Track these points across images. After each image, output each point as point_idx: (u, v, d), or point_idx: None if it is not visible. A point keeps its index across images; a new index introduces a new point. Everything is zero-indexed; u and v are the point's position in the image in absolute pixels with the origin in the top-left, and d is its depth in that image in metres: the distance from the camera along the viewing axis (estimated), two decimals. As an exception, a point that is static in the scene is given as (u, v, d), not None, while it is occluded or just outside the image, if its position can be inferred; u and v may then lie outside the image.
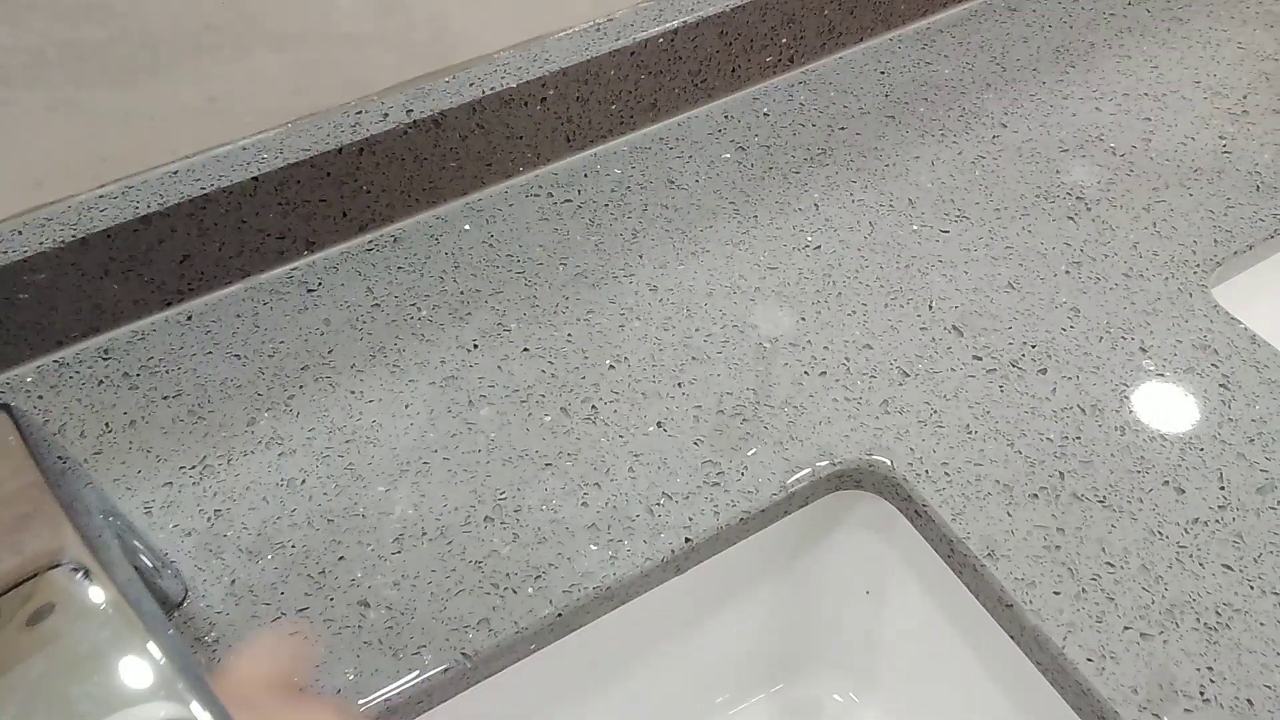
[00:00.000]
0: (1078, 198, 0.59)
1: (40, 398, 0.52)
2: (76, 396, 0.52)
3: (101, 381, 0.53)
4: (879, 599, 0.54)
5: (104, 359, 0.53)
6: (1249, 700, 0.40)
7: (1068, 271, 0.55)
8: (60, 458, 0.35)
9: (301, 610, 0.44)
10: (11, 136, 0.48)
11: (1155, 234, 0.56)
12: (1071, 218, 0.58)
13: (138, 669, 0.26)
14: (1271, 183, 0.58)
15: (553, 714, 0.51)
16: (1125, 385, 0.50)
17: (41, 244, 0.49)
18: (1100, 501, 0.46)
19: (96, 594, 0.27)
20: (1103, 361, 0.51)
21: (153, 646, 0.26)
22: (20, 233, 0.50)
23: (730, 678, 0.57)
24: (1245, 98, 0.64)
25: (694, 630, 0.53)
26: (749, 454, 0.48)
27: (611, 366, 0.52)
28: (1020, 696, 0.46)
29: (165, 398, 0.52)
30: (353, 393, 0.51)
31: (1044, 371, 0.50)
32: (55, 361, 0.53)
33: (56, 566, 0.26)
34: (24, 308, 0.51)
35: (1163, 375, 0.50)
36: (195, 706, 0.25)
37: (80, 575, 0.27)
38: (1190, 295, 0.53)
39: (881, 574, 0.53)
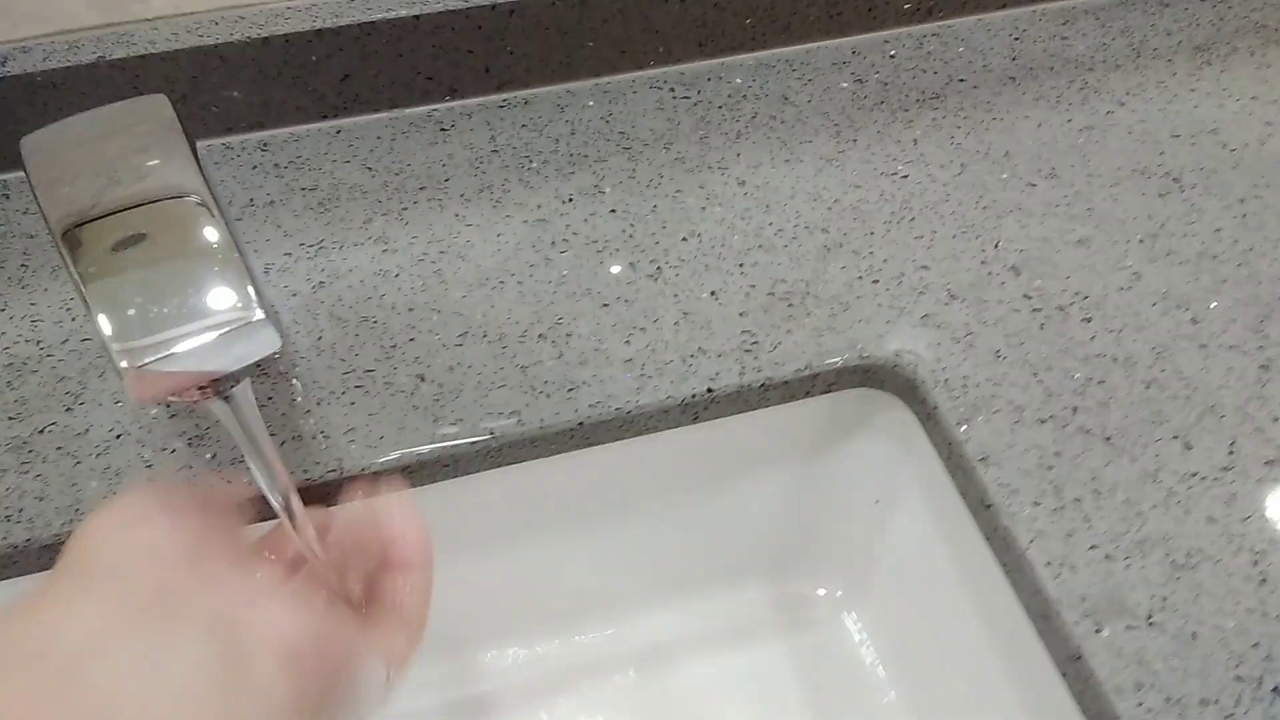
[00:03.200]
0: (1174, 179, 0.59)
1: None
2: (233, 174, 0.61)
3: (256, 167, 0.61)
4: (887, 509, 0.57)
5: (262, 150, 0.62)
6: (1194, 634, 0.41)
7: (1142, 241, 0.56)
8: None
9: (369, 372, 0.51)
10: (226, -58, 0.57)
11: (1242, 224, 0.57)
12: (1162, 195, 0.58)
13: (227, 287, 0.32)
14: (1383, 202, 0.58)
15: (555, 532, 0.56)
16: (1165, 347, 0.51)
17: (232, 35, 0.58)
18: (1106, 439, 0.48)
19: (212, 228, 0.33)
20: (1149, 323, 0.52)
21: (244, 274, 0.33)
22: (217, 24, 0.58)
23: (727, 552, 0.61)
24: (1383, 121, 0.63)
25: (703, 495, 0.58)
26: (786, 334, 0.52)
27: (684, 239, 0.57)
28: (986, 602, 0.49)
29: (303, 189, 0.60)
30: (457, 215, 0.58)
31: (1088, 320, 0.52)
32: (223, 144, 0.62)
33: (187, 196, 0.33)
34: (206, 91, 0.60)
35: (1204, 346, 0.51)
36: (258, 312, 0.31)
37: (205, 211, 0.33)
38: (1259, 283, 0.54)
39: (894, 485, 0.56)
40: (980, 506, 0.46)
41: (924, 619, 0.56)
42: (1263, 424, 0.48)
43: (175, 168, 0.32)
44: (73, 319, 0.53)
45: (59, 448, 0.48)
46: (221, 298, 0.29)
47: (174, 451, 0.48)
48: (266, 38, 0.58)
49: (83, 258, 0.30)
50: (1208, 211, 0.57)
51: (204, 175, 0.32)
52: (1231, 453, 0.47)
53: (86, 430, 0.48)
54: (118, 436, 0.48)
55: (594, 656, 0.61)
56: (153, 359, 0.28)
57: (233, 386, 0.33)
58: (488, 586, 0.59)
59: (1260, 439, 0.47)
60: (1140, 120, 0.63)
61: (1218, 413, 0.48)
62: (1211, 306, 0.53)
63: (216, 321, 0.28)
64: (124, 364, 0.29)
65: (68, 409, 0.49)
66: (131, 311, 0.28)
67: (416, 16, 0.60)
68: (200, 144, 0.62)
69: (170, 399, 0.30)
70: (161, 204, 0.31)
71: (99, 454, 0.47)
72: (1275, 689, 0.40)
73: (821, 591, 0.62)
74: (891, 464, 0.55)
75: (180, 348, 0.28)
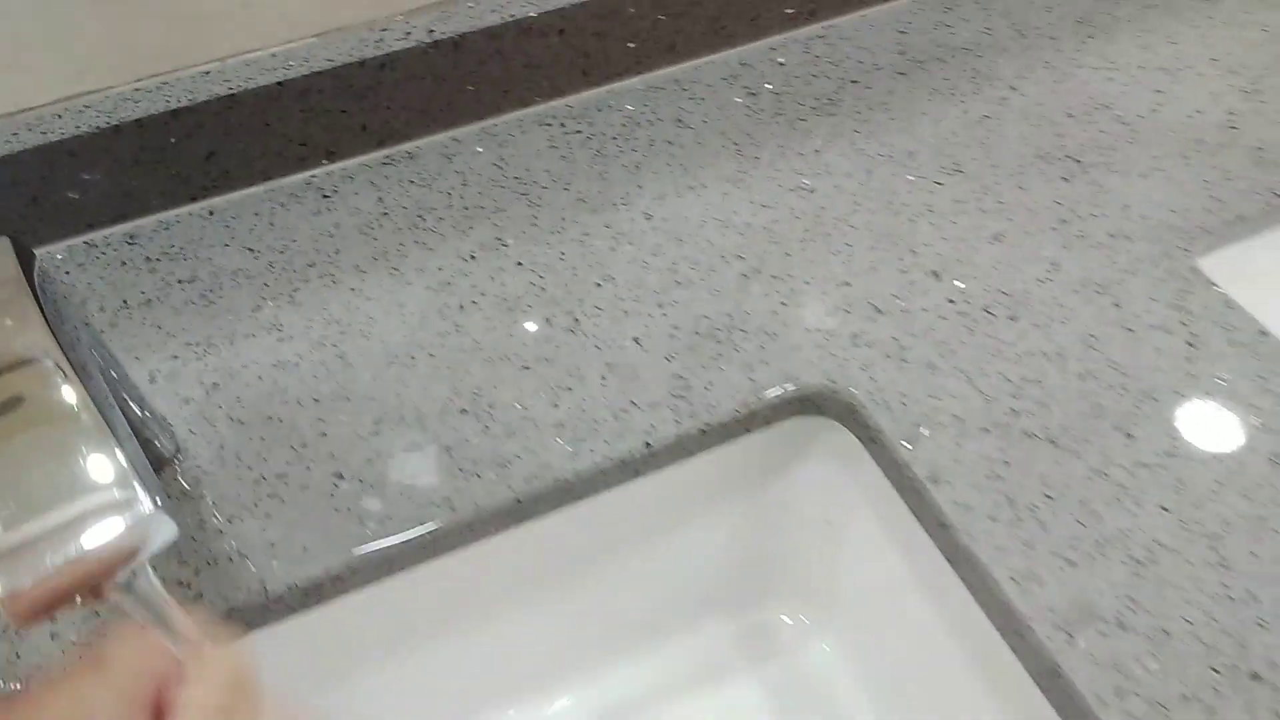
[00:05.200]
0: (1076, 160, 0.59)
1: (67, 274, 0.56)
2: (100, 275, 0.56)
3: (125, 263, 0.56)
4: (839, 529, 0.56)
5: (129, 243, 0.57)
6: (1165, 630, 0.41)
7: (1054, 228, 0.56)
8: (84, 323, 0.38)
9: (281, 476, 0.47)
10: (60, 27, 0.52)
11: (1147, 199, 0.57)
12: (1066, 179, 0.58)
13: (98, 466, 0.29)
14: (1274, 159, 0.59)
15: (508, 606, 0.53)
16: (1093, 336, 0.51)
17: (78, 129, 0.53)
18: (1051, 441, 0.47)
19: (69, 393, 0.30)
20: (1074, 313, 0.52)
21: (113, 445, 0.29)
22: (60, 117, 0.54)
23: (687, 595, 0.59)
24: (1260, 77, 0.64)
25: (654, 545, 0.55)
26: (717, 373, 0.50)
27: (598, 284, 0.54)
28: (952, 617, 0.48)
29: (180, 281, 0.55)
30: (353, 290, 0.55)
31: (1014, 318, 0.52)
32: (85, 242, 0.57)
33: (32, 363, 0.29)
34: (59, 189, 0.55)
35: (1131, 330, 0.51)
36: (144, 498, 0.28)
37: (56, 375, 0.30)
38: (1172, 258, 0.54)
39: (842, 505, 0.55)
40: (937, 527, 0.45)
41: (893, 639, 0.55)
42: (1198, 402, 0.48)
43: (21, 326, 0.28)
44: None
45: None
46: (98, 492, 0.25)
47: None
48: (117, 125, 0.54)
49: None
50: (1112, 191, 0.58)
51: (54, 332, 0.28)
52: (1173, 437, 0.47)
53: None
54: None
55: (565, 722, 0.59)
56: (29, 582, 0.24)
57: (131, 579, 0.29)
58: (446, 674, 0.56)
59: (1198, 417, 0.47)
60: (1035, 103, 0.63)
61: (1153, 397, 0.48)
62: (1130, 288, 0.53)
63: (97, 525, 0.25)
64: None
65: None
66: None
67: (279, 83, 0.56)
68: (59, 245, 0.57)
69: (59, 611, 0.26)
70: (6, 376, 0.27)
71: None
72: (1253, 675, 0.40)
73: (787, 619, 0.60)
74: (839, 487, 0.54)
75: (57, 560, 0.24)
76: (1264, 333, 0.50)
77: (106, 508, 0.24)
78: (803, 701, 0.59)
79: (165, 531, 0.25)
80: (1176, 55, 0.66)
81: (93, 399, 0.30)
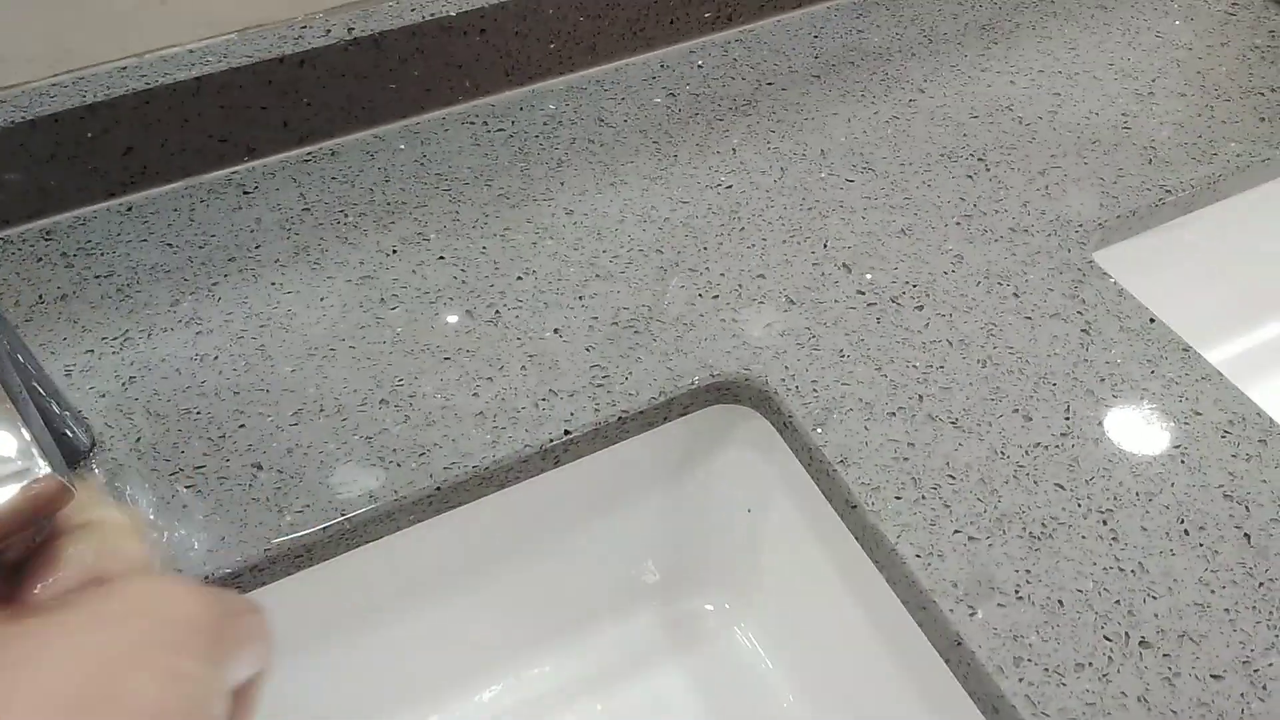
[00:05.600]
0: (979, 159, 0.62)
1: (-20, 269, 0.55)
2: (15, 270, 0.55)
3: (40, 259, 0.56)
4: (759, 516, 0.57)
5: (45, 239, 0.57)
6: (1060, 601, 0.43)
7: (958, 223, 0.58)
8: None
9: (199, 468, 0.47)
10: (-31, 19, 0.51)
11: (1046, 195, 0.60)
12: (970, 176, 0.61)
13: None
14: (1164, 157, 0.62)
15: (432, 596, 0.54)
16: (994, 325, 0.53)
17: (-10, 122, 0.53)
18: (953, 423, 0.49)
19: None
20: (976, 303, 0.54)
21: (18, 425, 0.29)
22: (-29, 110, 0.53)
23: (610, 584, 0.60)
24: (1154, 81, 0.67)
25: (576, 534, 0.56)
26: (635, 362, 0.51)
27: (519, 278, 0.55)
28: (866, 598, 0.50)
29: (98, 277, 0.55)
30: (273, 284, 0.55)
31: (920, 308, 0.54)
32: (-1, 239, 0.57)
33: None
34: (-29, 183, 0.54)
35: (1029, 318, 0.53)
36: (42, 464, 0.27)
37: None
38: (1069, 251, 0.57)
39: (762, 492, 0.56)
40: (846, 508, 0.47)
41: (811, 621, 0.56)
42: (1091, 385, 0.50)
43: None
44: None
45: None
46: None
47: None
48: (33, 120, 0.53)
49: None
50: (1013, 188, 0.60)
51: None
52: (1068, 418, 0.49)
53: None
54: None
55: (492, 713, 0.59)
56: None
57: None
58: (369, 665, 0.56)
59: (1090, 400, 0.50)
60: (940, 105, 0.66)
61: (1050, 381, 0.51)
62: (1029, 279, 0.55)
63: None
64: None
65: None
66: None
67: (198, 79, 0.56)
68: (-28, 241, 0.56)
69: None
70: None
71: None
72: (1141, 641, 0.42)
73: (709, 607, 0.61)
74: (757, 473, 0.56)
75: None
76: (1153, 320, 0.53)
77: (5, 478, 0.24)
78: (725, 687, 0.60)
79: (63, 496, 0.26)
80: (1075, 59, 0.69)
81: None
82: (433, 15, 0.60)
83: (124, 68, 0.56)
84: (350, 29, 0.58)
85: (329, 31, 0.58)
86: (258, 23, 0.58)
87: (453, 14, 0.60)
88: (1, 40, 0.53)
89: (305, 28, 0.58)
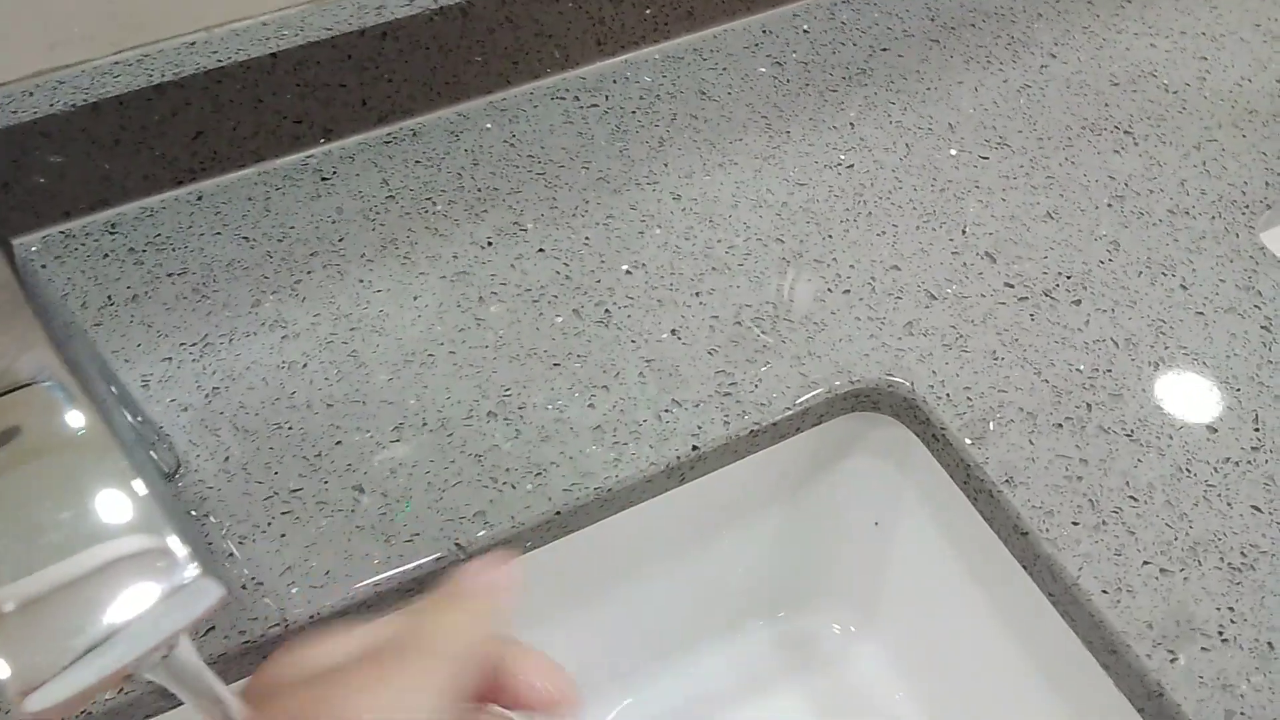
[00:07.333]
0: (1126, 131, 0.56)
1: (44, 267, 0.51)
2: (80, 268, 0.51)
3: (107, 255, 0.51)
4: (888, 530, 0.53)
5: (110, 233, 0.52)
6: (1269, 644, 0.38)
7: (1110, 205, 0.53)
8: (66, 322, 0.33)
9: (295, 491, 0.43)
10: (25, -7, 0.47)
11: (1204, 173, 0.54)
12: (1118, 151, 0.55)
13: (114, 499, 0.25)
14: (1332, 129, 0.56)
15: (547, 619, 0.50)
16: (1162, 321, 0.48)
17: (52, 107, 0.48)
18: (1128, 435, 0.44)
19: (75, 417, 0.25)
20: (1140, 296, 0.49)
21: (131, 473, 0.25)
22: (31, 94, 0.48)
23: (730, 600, 0.56)
24: (1310, 42, 0.61)
25: (697, 548, 0.52)
26: (764, 367, 0.46)
27: (628, 272, 0.50)
28: (1027, 631, 0.45)
29: (170, 275, 0.50)
30: (361, 281, 0.50)
31: (1078, 303, 0.48)
32: (61, 232, 0.52)
33: (32, 385, 0.25)
34: (32, 173, 0.50)
35: (1202, 314, 0.48)
36: (173, 539, 0.24)
37: (59, 396, 0.25)
38: (1237, 236, 0.51)
39: (893, 504, 0.52)
40: (1015, 534, 0.42)
41: (950, 647, 0.52)
42: (1266, 386, 0.45)
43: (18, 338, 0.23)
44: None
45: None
46: (136, 563, 0.20)
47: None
48: (95, 103, 0.48)
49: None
50: (1167, 164, 0.54)
51: (61, 351, 0.24)
52: (1258, 429, 0.44)
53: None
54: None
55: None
56: (59, 696, 0.19)
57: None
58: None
59: (1268, 404, 0.44)
60: (1076, 71, 0.60)
61: (1233, 386, 0.45)
62: (1196, 268, 0.50)
63: (128, 593, 0.20)
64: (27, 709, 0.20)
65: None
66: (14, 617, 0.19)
67: (273, 55, 0.51)
68: (34, 236, 0.52)
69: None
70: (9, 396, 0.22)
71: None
72: (1360, 687, 0.37)
73: (835, 627, 0.57)
74: (888, 484, 0.51)
75: (86, 670, 0.19)
76: (1339, 314, 0.48)
77: (139, 572, 0.20)
78: (849, 713, 0.56)
79: (210, 592, 0.21)
80: (1217, 20, 0.63)
81: (103, 420, 0.25)
82: (524, -20, 0.54)
83: (193, 43, 0.51)
84: (435, -3, 0.53)
85: (413, 0, 0.53)
86: (334, -9, 0.53)
87: (545, -22, 0.55)
88: (60, 16, 0.48)
89: (386, -4, 0.53)
